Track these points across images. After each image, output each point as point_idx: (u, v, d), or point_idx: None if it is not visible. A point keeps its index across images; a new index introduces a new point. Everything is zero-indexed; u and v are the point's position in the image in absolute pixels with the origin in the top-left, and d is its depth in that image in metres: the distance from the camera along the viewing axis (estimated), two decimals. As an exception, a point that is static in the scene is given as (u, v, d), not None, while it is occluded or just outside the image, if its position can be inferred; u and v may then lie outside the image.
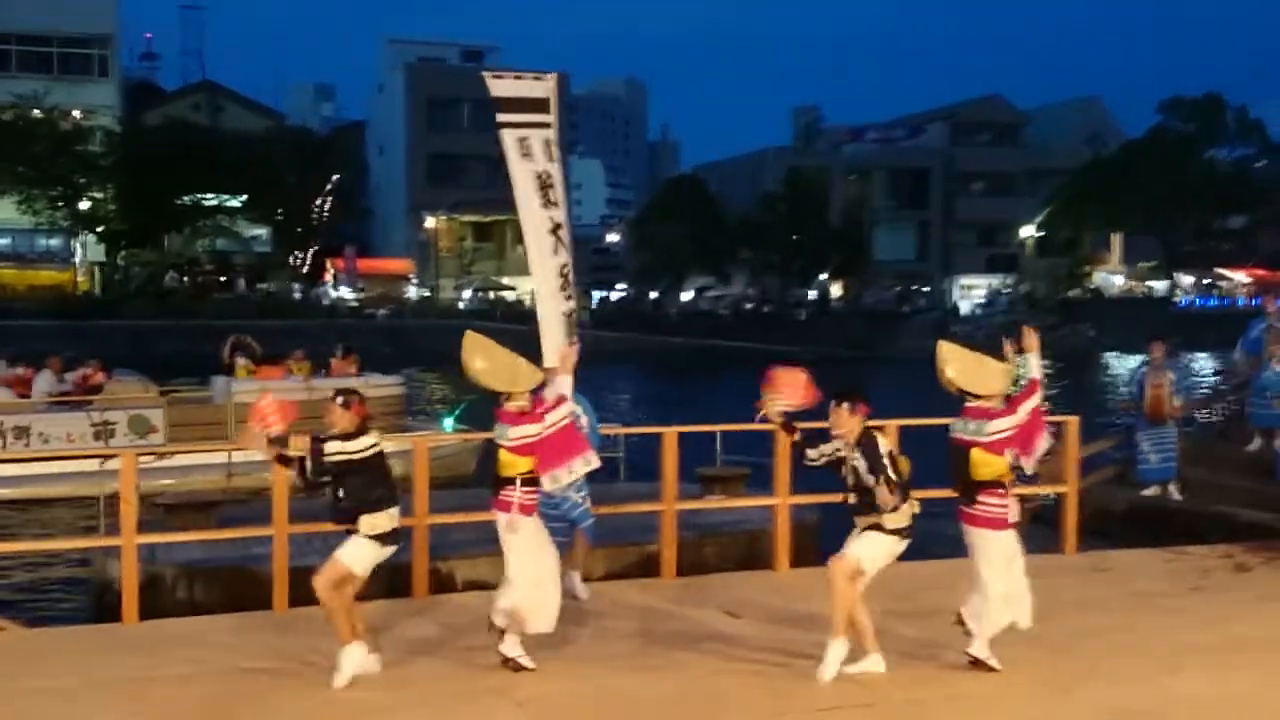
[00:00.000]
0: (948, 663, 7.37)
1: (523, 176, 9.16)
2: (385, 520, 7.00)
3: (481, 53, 78.44)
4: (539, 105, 9.25)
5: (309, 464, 6.96)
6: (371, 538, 7.00)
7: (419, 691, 6.97)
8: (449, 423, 18.62)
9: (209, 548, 10.11)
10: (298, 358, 19.55)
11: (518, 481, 7.23)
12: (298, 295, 59.30)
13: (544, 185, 9.16)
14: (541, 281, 9.27)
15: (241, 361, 19.09)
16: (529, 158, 9.14)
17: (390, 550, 7.15)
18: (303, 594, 8.75)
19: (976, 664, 7.24)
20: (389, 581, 8.72)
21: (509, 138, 9.15)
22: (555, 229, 9.17)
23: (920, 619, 8.14)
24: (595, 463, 7.51)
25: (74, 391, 17.75)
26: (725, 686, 7.05)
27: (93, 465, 13.92)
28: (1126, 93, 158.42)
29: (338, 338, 26.01)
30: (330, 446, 6.92)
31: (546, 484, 7.30)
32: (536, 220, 9.16)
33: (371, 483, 6.99)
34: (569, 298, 9.26)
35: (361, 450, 6.94)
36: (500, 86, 9.26)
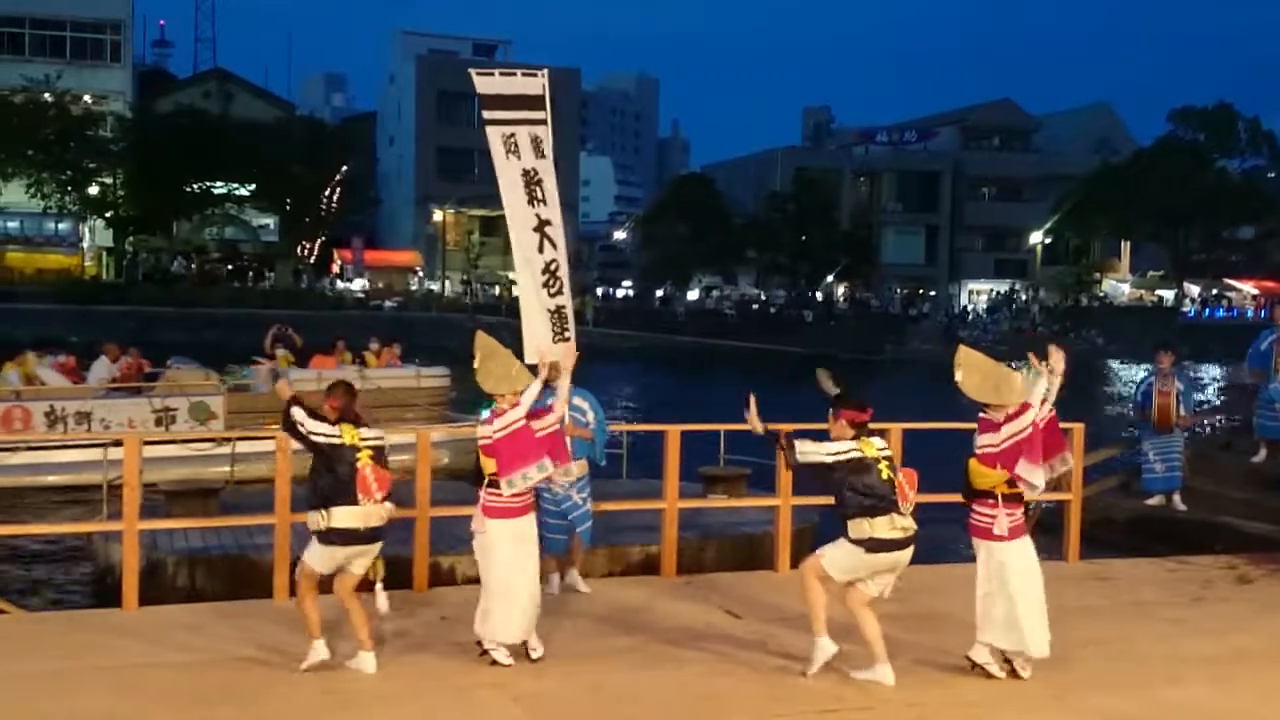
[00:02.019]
0: (949, 668, 7.35)
1: (508, 174, 9.16)
2: (320, 518, 6.85)
3: (493, 47, 78.34)
4: (530, 102, 9.22)
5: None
6: (313, 533, 6.96)
7: (415, 684, 6.95)
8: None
9: (211, 535, 10.11)
10: (339, 349, 19.73)
11: (485, 482, 7.27)
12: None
13: (531, 182, 9.14)
14: (524, 278, 9.26)
15: (281, 352, 19.15)
16: (515, 155, 9.14)
17: (342, 551, 6.90)
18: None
19: (976, 668, 7.25)
20: (389, 573, 8.68)
21: (495, 135, 9.16)
22: (541, 226, 9.14)
23: (922, 623, 8.12)
24: (550, 470, 7.36)
25: (122, 378, 17.75)
26: (724, 686, 7.03)
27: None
28: (1138, 99, 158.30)
29: (344, 329, 26.01)
30: (295, 410, 6.88)
31: (504, 488, 7.21)
32: (521, 217, 9.16)
33: (318, 476, 6.89)
34: (555, 294, 9.21)
35: (310, 435, 6.85)
36: (488, 84, 9.23)
